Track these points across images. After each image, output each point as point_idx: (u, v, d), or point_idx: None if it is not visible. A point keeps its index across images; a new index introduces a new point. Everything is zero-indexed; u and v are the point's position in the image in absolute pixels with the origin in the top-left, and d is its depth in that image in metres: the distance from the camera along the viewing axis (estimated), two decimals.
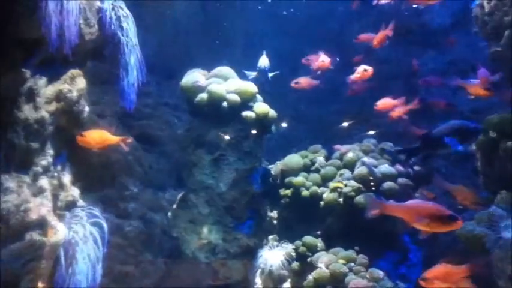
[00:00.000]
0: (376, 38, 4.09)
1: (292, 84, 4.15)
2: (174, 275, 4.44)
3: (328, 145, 4.17)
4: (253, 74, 3.87)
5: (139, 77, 3.69)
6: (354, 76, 3.82)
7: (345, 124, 4.13)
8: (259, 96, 3.93)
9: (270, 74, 3.89)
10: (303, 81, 4.18)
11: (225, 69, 3.97)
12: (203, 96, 3.75)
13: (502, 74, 3.29)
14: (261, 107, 3.84)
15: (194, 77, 3.84)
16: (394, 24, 4.02)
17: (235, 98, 3.73)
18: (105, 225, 3.23)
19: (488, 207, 2.94)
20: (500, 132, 3.07)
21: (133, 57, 3.57)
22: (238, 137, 3.77)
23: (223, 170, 3.80)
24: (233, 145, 3.77)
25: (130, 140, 3.50)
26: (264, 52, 3.82)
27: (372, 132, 4.09)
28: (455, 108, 4.45)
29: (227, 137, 3.77)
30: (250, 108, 3.82)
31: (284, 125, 4.40)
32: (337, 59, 4.11)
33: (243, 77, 4.03)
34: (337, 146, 4.08)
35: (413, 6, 3.10)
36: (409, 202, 2.45)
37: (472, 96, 3.60)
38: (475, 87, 3.52)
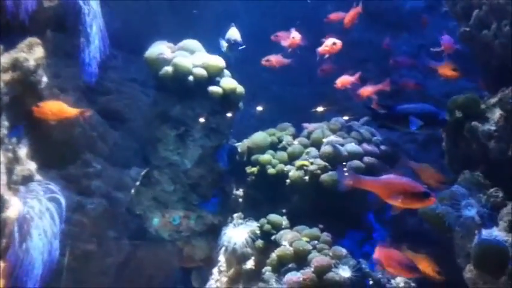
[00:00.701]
0: (347, 17, 4.04)
1: (263, 62, 4.06)
2: (138, 255, 4.37)
3: (299, 125, 4.12)
4: (225, 46, 3.70)
5: (101, 48, 3.55)
6: (321, 48, 3.75)
7: (320, 109, 4.07)
8: (226, 71, 3.84)
9: (240, 48, 3.73)
10: (274, 59, 4.10)
11: (192, 43, 3.86)
12: (168, 69, 3.63)
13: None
14: (229, 82, 3.75)
15: (159, 49, 3.72)
16: (363, 3, 3.97)
17: (202, 72, 3.63)
18: (63, 200, 3.13)
19: (451, 187, 2.96)
20: (465, 112, 3.09)
21: (95, 27, 3.43)
22: (204, 112, 3.68)
23: (188, 146, 3.72)
24: (199, 121, 3.69)
25: (89, 112, 3.38)
26: (233, 24, 3.70)
27: (346, 118, 4.06)
28: (423, 88, 4.47)
29: (202, 120, 3.68)
30: (217, 84, 3.72)
31: (259, 108, 4.32)
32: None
33: (211, 51, 3.91)
34: (305, 125, 4.04)
35: None
36: (384, 177, 2.42)
37: (441, 78, 3.62)
38: (444, 68, 3.54)
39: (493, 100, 3.05)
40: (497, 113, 2.93)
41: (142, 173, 3.97)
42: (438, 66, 3.59)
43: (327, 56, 3.75)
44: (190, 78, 3.61)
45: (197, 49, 3.83)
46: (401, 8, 5.32)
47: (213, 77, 3.71)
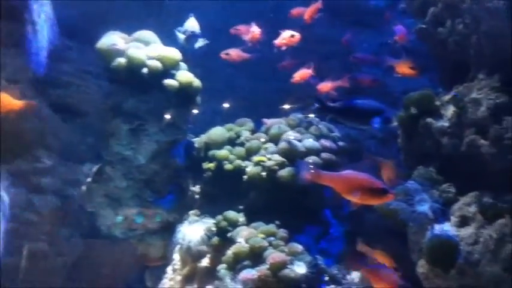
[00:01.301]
0: (307, 12, 4.01)
1: (222, 55, 3.99)
2: (93, 253, 4.24)
3: (260, 121, 4.07)
4: (182, 37, 3.58)
5: (51, 38, 3.40)
6: (278, 40, 3.70)
7: (287, 106, 4.02)
8: (183, 64, 3.75)
9: (200, 43, 3.63)
10: (234, 53, 4.03)
11: (147, 34, 3.75)
12: (121, 61, 3.51)
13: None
14: (185, 75, 3.66)
15: (112, 39, 3.59)
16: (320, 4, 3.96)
17: (157, 64, 3.53)
18: (6, 197, 2.99)
19: (406, 182, 2.98)
20: (420, 108, 3.10)
21: (43, 15, 3.28)
22: (159, 106, 3.58)
23: (142, 141, 3.61)
24: (154, 115, 3.59)
25: (35, 105, 3.23)
26: (192, 15, 3.60)
27: (312, 116, 4.03)
28: (382, 85, 4.50)
29: (168, 116, 3.58)
30: (173, 77, 3.62)
31: (226, 105, 4.24)
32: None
33: (170, 42, 3.81)
34: (265, 120, 4.00)
35: None
36: (342, 173, 2.40)
37: (399, 75, 3.65)
38: (402, 66, 3.56)
39: (447, 97, 3.08)
40: (450, 110, 2.96)
41: (94, 169, 3.83)
42: (396, 64, 3.62)
43: (284, 48, 3.69)
44: (145, 70, 3.50)
45: (152, 40, 3.72)
46: (365, 5, 5.35)
47: (169, 69, 3.62)
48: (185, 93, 3.68)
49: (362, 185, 2.27)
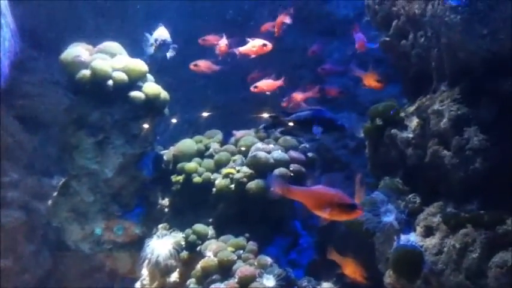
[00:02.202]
0: (276, 27, 4.03)
1: (191, 66, 3.97)
2: (60, 269, 4.15)
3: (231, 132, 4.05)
4: (153, 46, 3.50)
5: (12, 48, 3.32)
6: (247, 49, 3.66)
7: (265, 115, 3.99)
8: (149, 76, 3.71)
9: (170, 53, 3.57)
10: (203, 65, 4.01)
11: (112, 45, 3.70)
12: (85, 72, 3.45)
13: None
14: (151, 87, 3.62)
15: (76, 51, 3.53)
16: (292, 9, 3.98)
17: (122, 76, 3.48)
18: None
19: (372, 193, 3.00)
20: (385, 120, 3.14)
21: (3, 21, 3.19)
22: (125, 119, 3.53)
23: (108, 154, 3.55)
24: (119, 127, 3.53)
25: None
26: (161, 24, 3.56)
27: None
28: (346, 95, 4.56)
29: (146, 126, 3.52)
30: (139, 89, 3.58)
31: (205, 114, 4.21)
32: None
33: (139, 52, 3.76)
34: (234, 132, 3.99)
35: None
36: (312, 188, 2.40)
37: (365, 87, 3.70)
38: (368, 78, 3.61)
39: (411, 108, 3.13)
40: (414, 121, 3.01)
41: (60, 183, 3.75)
42: (363, 75, 3.67)
43: (254, 56, 3.66)
44: (110, 82, 3.45)
45: (118, 52, 3.68)
46: (335, 16, 5.42)
47: (135, 81, 3.57)
48: (152, 105, 3.63)
49: (331, 200, 2.28)
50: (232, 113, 4.62)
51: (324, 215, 2.30)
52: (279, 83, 3.77)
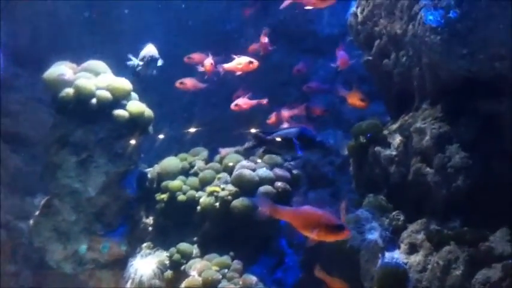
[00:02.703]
0: (261, 48, 4.08)
1: (177, 84, 3.98)
2: None
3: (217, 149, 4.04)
4: (136, 62, 3.47)
5: None
6: (233, 66, 3.65)
7: (252, 130, 3.98)
8: (134, 94, 3.70)
9: (159, 63, 3.52)
10: (189, 82, 4.03)
11: (96, 64, 3.69)
12: (69, 91, 3.43)
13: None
14: (135, 105, 3.61)
15: (60, 69, 3.52)
16: (267, 31, 4.03)
17: (106, 94, 3.47)
18: None
19: (356, 210, 3.01)
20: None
21: None
22: (109, 137, 3.51)
23: (91, 173, 3.51)
24: (103, 146, 3.50)
25: None
26: (149, 42, 3.55)
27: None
28: (331, 113, 4.60)
29: (130, 143, 3.49)
30: (123, 107, 3.57)
31: (191, 130, 4.19)
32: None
33: (125, 70, 3.75)
34: (220, 149, 3.99)
35: (306, 9, 3.06)
36: (300, 208, 2.39)
37: (350, 106, 3.74)
38: (352, 97, 3.65)
39: (394, 126, 3.17)
40: (397, 139, 3.04)
41: (42, 202, 3.69)
42: (347, 95, 3.71)
43: (240, 73, 3.66)
44: (93, 101, 3.43)
45: (102, 70, 3.67)
46: (320, 34, 5.50)
47: (119, 100, 3.56)
48: (136, 123, 3.62)
49: (319, 221, 2.28)
50: (219, 130, 4.62)
51: (312, 235, 2.30)
52: (259, 101, 3.80)
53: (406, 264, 2.60)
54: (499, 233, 2.44)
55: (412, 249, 2.67)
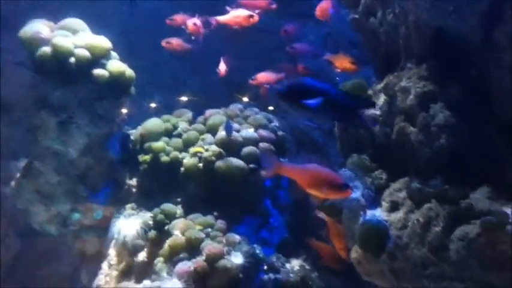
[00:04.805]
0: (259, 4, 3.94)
1: (163, 43, 3.88)
2: (31, 252, 4.06)
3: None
4: None
5: None
6: (224, 18, 3.51)
7: (245, 99, 3.93)
8: (114, 54, 3.61)
9: None
10: (175, 43, 3.93)
11: (74, 22, 3.57)
12: (46, 50, 3.33)
13: None
14: (116, 65, 3.52)
15: (36, 27, 3.40)
16: None
17: (85, 53, 3.37)
18: None
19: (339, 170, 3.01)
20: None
21: None
22: (89, 98, 3.44)
23: (72, 134, 3.45)
24: (84, 107, 3.43)
25: None
26: None
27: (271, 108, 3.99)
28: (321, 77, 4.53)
29: (124, 111, 3.43)
30: (103, 66, 3.48)
31: (184, 98, 4.10)
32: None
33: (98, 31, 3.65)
34: (206, 111, 3.93)
35: None
36: (306, 166, 2.39)
37: (339, 70, 3.66)
38: (341, 60, 3.58)
39: (379, 86, 3.13)
40: (382, 98, 3.01)
41: (23, 164, 3.63)
42: (334, 58, 3.63)
43: (237, 27, 3.51)
44: (72, 60, 3.34)
45: (80, 29, 3.55)
46: None
47: (99, 59, 3.47)
48: (117, 83, 3.54)
49: (326, 179, 2.30)
50: (209, 97, 4.55)
51: (319, 194, 2.31)
52: (279, 76, 3.70)
53: (387, 221, 2.61)
54: (479, 191, 2.45)
55: (394, 207, 2.68)
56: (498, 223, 2.25)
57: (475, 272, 2.27)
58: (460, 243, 2.30)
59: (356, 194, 2.76)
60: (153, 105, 3.85)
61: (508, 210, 2.33)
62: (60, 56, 3.33)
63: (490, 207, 2.35)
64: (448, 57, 2.67)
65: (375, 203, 2.81)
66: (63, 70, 3.36)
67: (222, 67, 3.65)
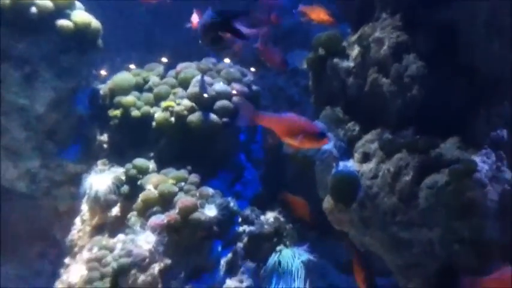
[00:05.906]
0: None
1: None
2: (7, 210, 3.93)
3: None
4: None
5: None
6: None
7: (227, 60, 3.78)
8: (79, 4, 3.43)
9: None
10: None
11: None
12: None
13: None
14: (81, 15, 3.35)
15: None
16: None
17: (47, 3, 3.19)
18: None
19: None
20: (328, 50, 3.10)
21: None
22: (54, 50, 3.29)
23: (37, 88, 3.31)
24: (48, 60, 3.29)
25: None
26: None
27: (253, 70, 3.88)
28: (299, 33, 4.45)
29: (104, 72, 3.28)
30: (67, 17, 3.32)
31: (164, 60, 3.93)
32: None
33: None
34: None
35: None
36: (283, 115, 2.38)
37: (315, 22, 3.57)
38: (318, 12, 3.48)
39: (354, 37, 3.09)
40: (356, 50, 2.98)
41: None
42: (310, 11, 3.53)
43: None
44: (33, 10, 3.16)
45: None
46: None
47: (62, 9, 3.29)
48: (83, 35, 3.40)
49: (302, 128, 2.29)
50: (183, 55, 4.42)
51: (295, 142, 2.31)
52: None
53: (358, 172, 2.64)
54: (449, 141, 2.49)
55: (365, 158, 2.71)
56: (466, 171, 2.29)
57: (442, 219, 2.34)
58: (429, 191, 2.35)
59: (329, 145, 2.77)
60: (132, 66, 3.71)
61: (476, 158, 2.38)
62: (19, 6, 3.13)
63: (460, 156, 2.39)
64: (419, 6, 2.64)
65: (347, 154, 2.83)
66: (24, 21, 3.17)
67: (195, 18, 3.51)
